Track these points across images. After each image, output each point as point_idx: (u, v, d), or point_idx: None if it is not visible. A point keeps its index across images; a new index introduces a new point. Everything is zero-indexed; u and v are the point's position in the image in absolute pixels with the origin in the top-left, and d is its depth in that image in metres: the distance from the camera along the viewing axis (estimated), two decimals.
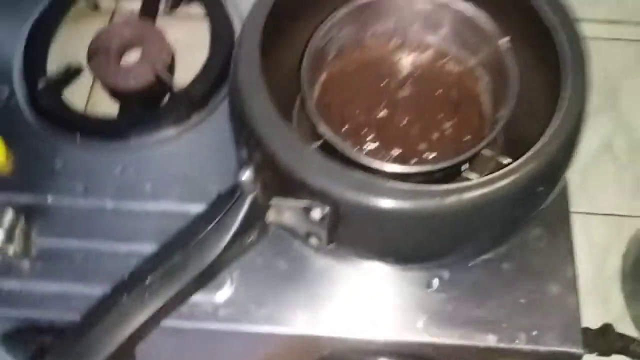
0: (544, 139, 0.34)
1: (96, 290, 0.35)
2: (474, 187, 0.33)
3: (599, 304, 0.51)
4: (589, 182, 0.56)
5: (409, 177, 0.35)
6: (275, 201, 0.33)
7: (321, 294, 0.38)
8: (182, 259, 0.31)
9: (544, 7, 0.38)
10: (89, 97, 0.48)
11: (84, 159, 0.44)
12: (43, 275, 0.39)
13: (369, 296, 0.39)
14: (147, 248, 0.36)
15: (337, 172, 0.32)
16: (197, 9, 0.51)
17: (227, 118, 0.40)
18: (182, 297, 0.31)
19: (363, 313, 0.38)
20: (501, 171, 0.33)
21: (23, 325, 0.39)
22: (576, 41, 0.37)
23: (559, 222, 0.41)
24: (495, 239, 0.39)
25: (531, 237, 0.40)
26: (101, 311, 0.30)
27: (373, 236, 0.36)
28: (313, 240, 0.35)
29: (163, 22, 0.51)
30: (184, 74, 0.47)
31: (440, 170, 0.36)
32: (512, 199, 0.34)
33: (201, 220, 0.32)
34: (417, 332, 0.38)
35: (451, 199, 0.32)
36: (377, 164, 0.35)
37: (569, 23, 0.38)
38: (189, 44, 0.49)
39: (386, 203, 0.32)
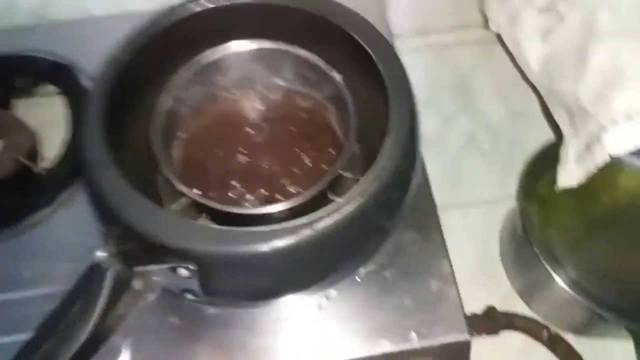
0: (378, 159, 0.37)
1: None
2: (328, 215, 0.35)
3: (487, 287, 0.51)
4: (460, 176, 0.58)
5: (275, 216, 0.38)
6: (138, 269, 0.34)
7: (218, 341, 0.39)
8: (54, 344, 0.31)
9: (365, 41, 0.41)
10: None
11: None
12: None
13: (264, 333, 0.39)
14: None
15: (192, 229, 0.34)
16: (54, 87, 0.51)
17: None
18: None
19: (262, 350, 0.39)
20: (350, 193, 0.36)
21: None
22: (396, 68, 0.41)
23: (429, 222, 0.43)
24: (370, 247, 0.41)
25: (406, 241, 0.42)
26: None
27: (243, 280, 0.37)
28: (189, 296, 0.37)
29: (23, 106, 0.50)
30: (54, 152, 0.47)
31: (297, 206, 0.38)
32: (368, 212, 0.37)
33: (67, 302, 0.32)
34: (315, 355, 0.38)
35: (306, 232, 0.35)
36: (235, 209, 0.37)
37: (389, 52, 0.42)
38: (53, 122, 0.49)
39: (242, 249, 0.34)
